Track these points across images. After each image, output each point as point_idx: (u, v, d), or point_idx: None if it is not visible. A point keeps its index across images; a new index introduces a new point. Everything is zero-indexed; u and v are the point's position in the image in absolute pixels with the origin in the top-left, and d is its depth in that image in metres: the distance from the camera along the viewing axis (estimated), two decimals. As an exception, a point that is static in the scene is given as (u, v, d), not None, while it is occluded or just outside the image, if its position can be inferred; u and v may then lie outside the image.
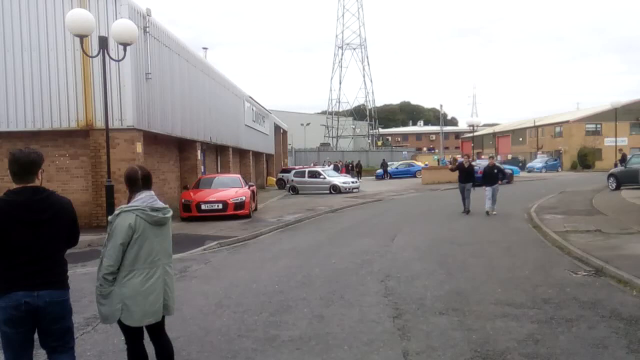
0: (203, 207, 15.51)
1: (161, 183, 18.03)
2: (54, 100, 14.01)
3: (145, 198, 3.76)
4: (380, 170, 45.70)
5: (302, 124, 65.72)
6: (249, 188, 16.99)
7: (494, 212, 15.02)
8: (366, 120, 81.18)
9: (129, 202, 3.81)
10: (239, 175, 18.91)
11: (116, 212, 3.72)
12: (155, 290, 3.75)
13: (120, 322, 3.72)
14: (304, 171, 29.35)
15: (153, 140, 16.89)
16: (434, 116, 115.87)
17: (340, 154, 63.45)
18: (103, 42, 11.10)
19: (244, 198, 15.93)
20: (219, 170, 24.85)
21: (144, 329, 3.88)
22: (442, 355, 4.59)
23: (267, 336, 5.22)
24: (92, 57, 12.23)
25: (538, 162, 52.68)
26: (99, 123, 13.63)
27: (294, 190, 27.85)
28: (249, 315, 5.97)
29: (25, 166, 3.38)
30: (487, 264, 8.58)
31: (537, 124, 62.20)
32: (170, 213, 3.88)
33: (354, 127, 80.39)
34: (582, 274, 7.63)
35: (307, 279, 7.68)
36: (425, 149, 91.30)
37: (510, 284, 7.15)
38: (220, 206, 15.54)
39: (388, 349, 4.78)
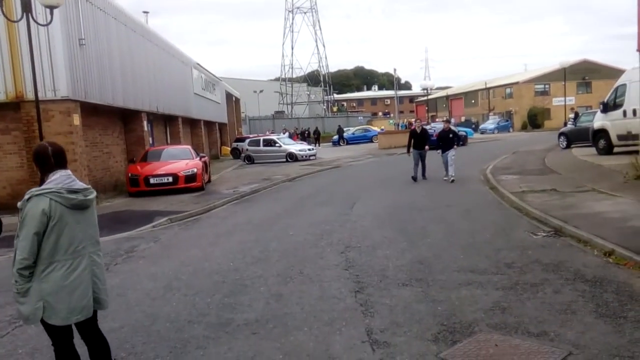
0: (152, 180, 14.74)
1: (105, 157, 17.05)
2: (-21, 71, 12.76)
3: (60, 178, 3.23)
4: (336, 137, 45.45)
5: (255, 92, 64.27)
6: (200, 159, 16.28)
7: (452, 179, 14.19)
8: (320, 86, 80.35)
9: (41, 184, 3.24)
10: (189, 146, 18.11)
11: (26, 196, 3.13)
12: (81, 283, 3.25)
13: (43, 322, 3.24)
14: (259, 140, 28.66)
15: (93, 111, 15.82)
16: (388, 81, 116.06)
17: (295, 121, 62.68)
18: (26, 5, 10.01)
19: (195, 170, 15.24)
20: (168, 142, 23.85)
21: (73, 327, 3.38)
22: (408, 331, 4.32)
23: (220, 321, 4.81)
24: (15, 21, 11.10)
25: (490, 123, 53.66)
26: (30, 94, 12.51)
27: (250, 160, 27.19)
28: (201, 297, 5.53)
29: None
30: (448, 229, 8.41)
31: (488, 85, 63.13)
32: (94, 194, 3.36)
33: (308, 93, 79.47)
34: (542, 235, 7.56)
35: (264, 255, 7.28)
36: (380, 113, 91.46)
37: (472, 249, 6.98)
38: (171, 179, 14.82)
39: (351, 327, 4.46)
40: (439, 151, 14.75)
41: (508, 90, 60.57)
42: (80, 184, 3.30)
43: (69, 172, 3.30)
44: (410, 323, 4.49)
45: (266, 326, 4.61)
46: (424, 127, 16.45)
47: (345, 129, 48.84)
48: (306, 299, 5.27)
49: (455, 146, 14.60)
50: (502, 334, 4.20)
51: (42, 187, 3.19)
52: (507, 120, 55.22)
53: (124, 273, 6.75)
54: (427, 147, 15.20)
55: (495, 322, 4.43)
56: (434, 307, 4.84)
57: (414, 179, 14.81)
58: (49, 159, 3.25)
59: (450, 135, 14.80)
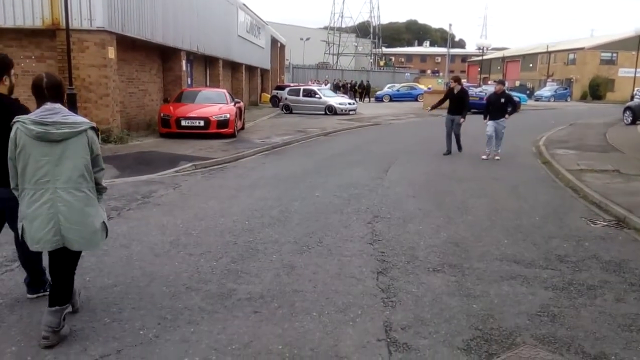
0: (183, 123, 14.24)
1: (141, 94, 16.63)
2: (15, -6, 12.29)
3: (39, 110, 3.24)
4: (380, 92, 43.91)
5: (301, 39, 62.59)
6: (235, 105, 15.61)
7: (497, 157, 11.71)
8: (369, 38, 77.66)
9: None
10: (224, 90, 17.43)
11: (13, 121, 3.23)
12: (39, 216, 3.24)
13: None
14: (299, 89, 27.70)
15: (131, 46, 15.27)
16: (441, 37, 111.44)
17: (340, 72, 61.03)
18: None
19: (227, 116, 14.61)
20: (207, 84, 23.30)
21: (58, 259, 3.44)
22: (434, 332, 3.63)
23: (221, 291, 4.24)
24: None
25: (547, 90, 50.65)
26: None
27: (287, 109, 26.42)
28: (207, 259, 4.97)
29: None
30: (491, 206, 7.56)
31: (549, 49, 59.33)
32: (68, 130, 3.21)
33: (356, 44, 77.00)
34: (602, 224, 6.63)
35: (284, 215, 6.65)
36: (429, 71, 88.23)
37: (518, 234, 6.15)
38: (202, 123, 14.27)
39: (367, 319, 3.81)
40: (486, 119, 12.07)
41: (571, 56, 56.78)
42: (58, 118, 3.21)
43: (57, 105, 3.30)
44: (438, 322, 3.79)
45: (270, 304, 4.00)
46: (464, 87, 13.07)
47: (389, 85, 47.15)
48: (321, 276, 4.63)
49: (506, 115, 11.90)
50: (550, 351, 3.46)
51: (28, 117, 3.22)
52: (566, 89, 51.97)
53: (134, 221, 6.27)
54: (462, 118, 12.38)
55: (543, 334, 3.68)
56: (468, 304, 4.12)
57: (447, 153, 12.40)
58: (42, 91, 3.28)
59: (502, 101, 11.89)
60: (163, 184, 8.60)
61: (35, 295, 4.00)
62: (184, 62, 18.73)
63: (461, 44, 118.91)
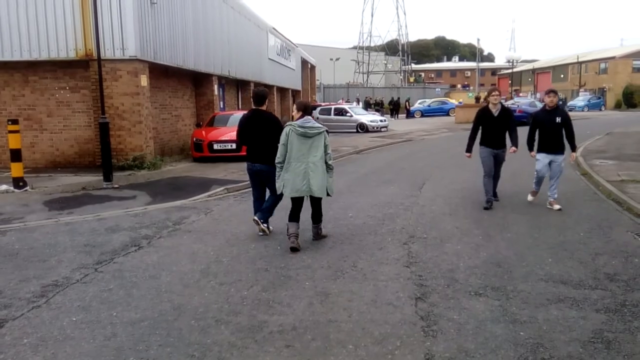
0: (215, 146, 14.34)
1: (174, 120, 16.90)
2: (51, 27, 12.74)
3: (301, 120, 6.08)
4: (412, 108, 43.57)
5: (331, 59, 63.01)
6: (266, 127, 15.63)
7: (557, 206, 7.81)
8: (398, 56, 77.56)
9: (294, 119, 6.24)
10: (256, 113, 17.51)
11: (286, 125, 6.08)
12: (299, 175, 5.95)
13: (282, 194, 6.20)
14: (330, 108, 27.75)
15: (164, 73, 15.59)
16: (469, 52, 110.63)
17: (370, 90, 60.98)
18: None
19: (259, 138, 14.63)
20: (240, 107, 23.54)
21: (301, 203, 6.18)
22: (480, 365, 3.37)
23: (252, 323, 4.08)
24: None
25: (580, 100, 49.44)
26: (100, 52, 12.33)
27: (319, 129, 26.38)
28: (237, 289, 4.84)
29: (256, 97, 6.78)
30: (532, 222, 7.21)
31: (580, 59, 58.05)
32: (316, 131, 6.01)
33: (385, 62, 76.98)
34: (653, 240, 6.21)
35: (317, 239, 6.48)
36: (459, 86, 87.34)
37: (562, 251, 5.81)
38: (234, 146, 14.28)
39: (406, 351, 3.57)
40: (533, 151, 8.09)
41: (602, 66, 55.45)
42: (310, 124, 6.03)
43: (309, 117, 6.17)
44: (483, 352, 3.53)
45: (303, 337, 3.81)
46: (505, 104, 8.76)
47: (420, 101, 46.78)
48: (356, 304, 4.42)
49: (573, 154, 8.33)
50: (608, 383, 3.15)
51: (290, 122, 6.09)
52: (600, 98, 50.63)
53: (165, 249, 6.22)
54: (513, 147, 8.22)
55: (599, 364, 3.38)
56: (514, 332, 3.84)
57: (488, 204, 8.01)
58: (306, 110, 6.26)
59: (558, 121, 7.71)
60: (195, 209, 8.57)
61: (262, 221, 6.67)
62: (215, 86, 18.99)
63: (490, 57, 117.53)
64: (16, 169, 10.27)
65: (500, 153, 8.34)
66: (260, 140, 6.54)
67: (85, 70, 13.14)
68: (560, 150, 7.87)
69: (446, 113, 41.66)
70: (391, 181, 10.92)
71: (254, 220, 6.69)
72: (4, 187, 10.34)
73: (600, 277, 4.99)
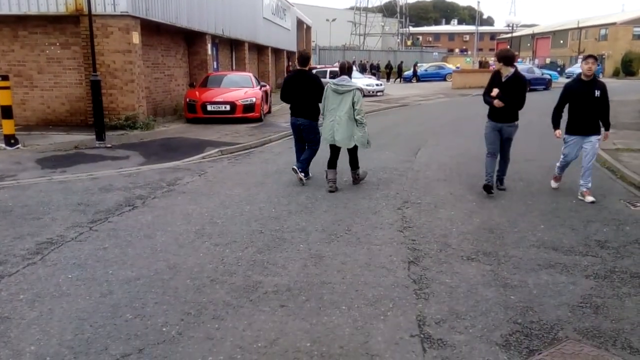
0: (209, 108, 14.17)
1: (167, 79, 16.62)
2: (39, -19, 12.32)
3: (337, 79, 6.98)
4: (409, 72, 43.07)
5: (327, 20, 61.81)
6: (260, 88, 15.46)
7: (591, 198, 6.55)
8: (396, 18, 76.16)
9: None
10: (250, 74, 17.28)
11: (327, 83, 7.08)
12: (327, 127, 7.00)
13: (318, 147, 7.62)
14: (325, 71, 27.32)
15: (156, 31, 15.23)
16: (469, 15, 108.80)
17: (367, 53, 60.12)
18: None
19: (254, 99, 14.48)
20: (233, 67, 23.17)
21: (337, 151, 7.22)
22: (470, 327, 3.44)
23: (247, 283, 4.12)
24: None
25: (578, 67, 48.89)
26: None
27: (314, 92, 26.11)
28: (232, 249, 4.87)
29: (301, 58, 7.77)
30: (526, 189, 7.25)
31: (580, 25, 57.31)
32: (346, 89, 6.89)
33: (382, 24, 75.65)
34: (645, 209, 6.27)
35: (311, 202, 6.50)
36: (457, 50, 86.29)
37: (554, 218, 5.87)
38: (228, 108, 14.17)
39: (398, 312, 3.64)
40: (558, 130, 6.84)
41: (602, 32, 54.86)
42: (344, 83, 6.92)
43: (345, 77, 7.01)
44: (474, 315, 3.60)
45: (298, 298, 3.86)
46: (519, 69, 7.01)
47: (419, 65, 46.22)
48: (350, 266, 4.47)
49: (603, 132, 6.75)
50: (595, 346, 3.23)
51: (331, 80, 7.07)
52: (598, 65, 50.21)
53: (159, 210, 6.21)
54: (516, 123, 6.89)
55: (586, 327, 3.45)
56: (505, 295, 3.91)
57: (487, 188, 6.79)
58: (344, 71, 7.11)
59: (598, 94, 6.42)
60: (189, 170, 8.54)
61: (302, 174, 7.48)
62: (209, 45, 18.62)
63: (489, 21, 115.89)
64: (8, 126, 10.12)
65: (506, 128, 6.83)
66: (302, 97, 7.39)
67: (76, 26, 12.81)
68: (596, 131, 6.59)
69: (443, 78, 41.26)
70: (386, 146, 10.88)
71: (293, 169, 7.51)
72: (-4, 144, 10.23)
73: (591, 244, 5.06)
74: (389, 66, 44.58)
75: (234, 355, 3.10)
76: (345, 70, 7.09)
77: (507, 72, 6.74)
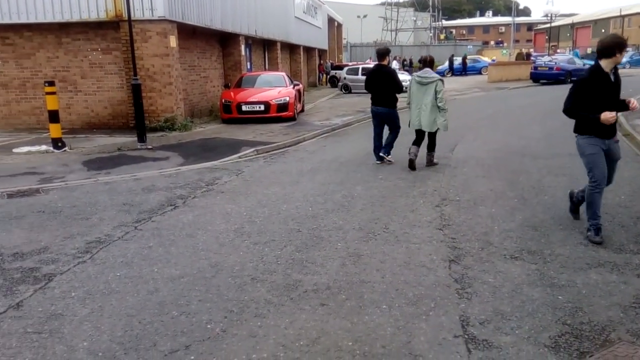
0: (244, 108, 14.33)
1: (203, 81, 16.89)
2: (80, -11, 12.71)
3: (421, 72, 8.19)
4: (444, 66, 42.31)
5: (358, 16, 61.58)
6: (294, 87, 15.52)
7: None
8: (428, 11, 75.16)
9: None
10: (283, 73, 17.38)
11: (411, 77, 8.58)
12: (414, 114, 8.16)
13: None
14: (358, 68, 27.25)
15: (191, 34, 15.50)
16: (504, 6, 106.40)
17: (399, 48, 59.55)
18: None
19: (287, 99, 14.55)
20: (266, 67, 23.35)
21: (422, 134, 8.30)
22: (517, 328, 3.36)
23: (287, 282, 4.15)
24: None
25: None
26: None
27: (347, 89, 26.09)
28: (271, 248, 4.90)
29: (378, 53, 8.76)
30: (570, 184, 6.99)
31: (623, 13, 55.15)
32: (429, 80, 7.98)
33: (414, 19, 74.77)
34: (699, 204, 5.99)
35: (347, 200, 6.48)
36: (493, 42, 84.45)
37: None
38: (262, 107, 14.30)
39: (440, 312, 3.59)
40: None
41: (648, 19, 52.51)
42: (427, 75, 8.03)
43: (428, 69, 8.12)
44: (520, 316, 3.51)
45: (338, 296, 3.86)
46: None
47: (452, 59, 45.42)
48: (389, 265, 4.43)
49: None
50: (649, 348, 3.11)
51: (415, 73, 8.30)
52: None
53: (199, 209, 6.32)
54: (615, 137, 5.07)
55: (639, 328, 3.33)
56: (552, 295, 3.80)
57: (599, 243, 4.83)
58: (425, 63, 8.28)
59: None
60: (226, 170, 8.65)
61: (386, 154, 8.60)
62: (242, 46, 18.82)
63: (526, 11, 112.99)
64: (55, 130, 10.50)
65: (613, 145, 5.06)
66: (380, 88, 8.49)
67: (116, 31, 13.16)
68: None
69: (478, 71, 40.49)
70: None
71: (378, 156, 8.63)
72: (44, 147, 10.63)
73: (641, 241, 4.86)
74: (421, 60, 44.00)
75: (277, 353, 3.12)
76: (427, 63, 8.21)
77: (609, 67, 4.84)
